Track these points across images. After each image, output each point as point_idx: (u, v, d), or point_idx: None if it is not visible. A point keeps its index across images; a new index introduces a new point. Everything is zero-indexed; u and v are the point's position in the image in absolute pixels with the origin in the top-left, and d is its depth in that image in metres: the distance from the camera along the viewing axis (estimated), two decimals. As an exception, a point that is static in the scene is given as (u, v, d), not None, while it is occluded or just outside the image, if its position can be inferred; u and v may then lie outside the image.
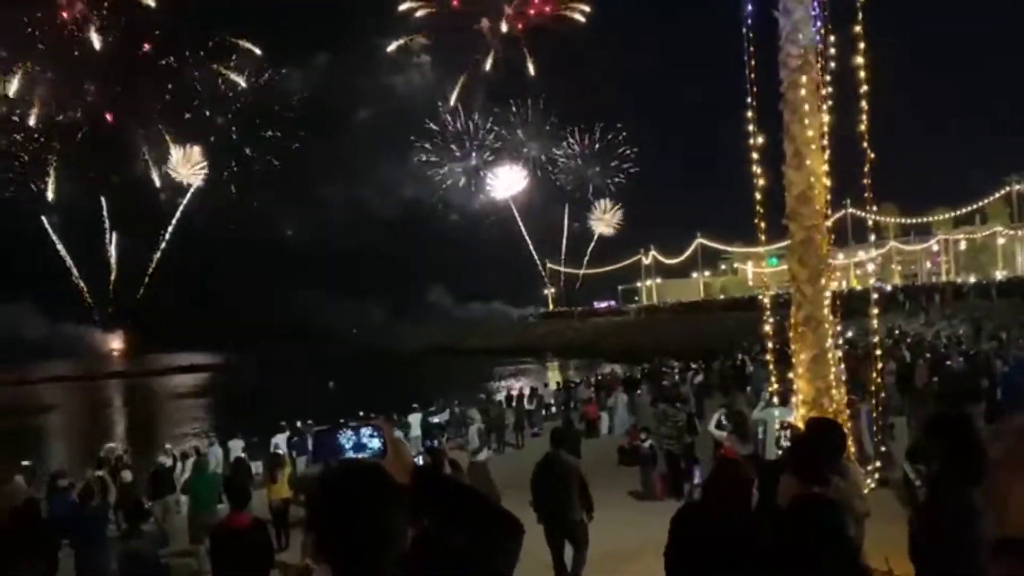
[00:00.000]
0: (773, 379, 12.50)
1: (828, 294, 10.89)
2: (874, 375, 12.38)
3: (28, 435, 40.27)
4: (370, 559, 1.76)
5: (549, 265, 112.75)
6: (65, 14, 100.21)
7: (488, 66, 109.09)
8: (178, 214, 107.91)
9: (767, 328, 12.23)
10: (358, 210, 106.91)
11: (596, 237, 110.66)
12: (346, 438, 2.11)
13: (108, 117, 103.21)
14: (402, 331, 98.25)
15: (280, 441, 22.13)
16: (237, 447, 20.66)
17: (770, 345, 12.25)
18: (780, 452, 10.36)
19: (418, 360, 72.99)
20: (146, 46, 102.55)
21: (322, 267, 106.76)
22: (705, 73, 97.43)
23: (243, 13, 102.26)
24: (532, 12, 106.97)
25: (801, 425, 10.70)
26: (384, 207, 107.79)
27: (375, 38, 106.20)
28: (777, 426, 11.38)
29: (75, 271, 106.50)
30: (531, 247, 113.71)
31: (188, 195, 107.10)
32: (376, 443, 2.10)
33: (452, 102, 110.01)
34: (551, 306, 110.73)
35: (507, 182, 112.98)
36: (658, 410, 15.47)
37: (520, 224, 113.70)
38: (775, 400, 12.21)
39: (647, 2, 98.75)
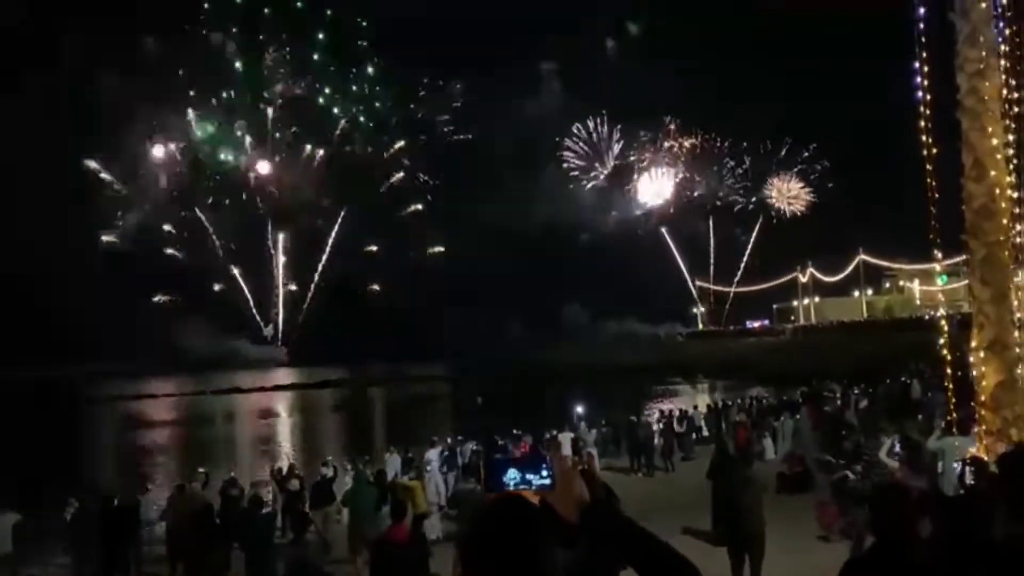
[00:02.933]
0: (952, 406, 11.58)
1: (1018, 316, 9.99)
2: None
3: (205, 442, 43.31)
4: None
5: (698, 283, 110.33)
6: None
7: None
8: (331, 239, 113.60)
9: (944, 351, 11.35)
10: (493, 230, 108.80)
11: (749, 247, 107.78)
12: (510, 474, 2.06)
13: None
14: (546, 347, 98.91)
15: (432, 456, 22.65)
16: (395, 462, 21.28)
17: (948, 370, 11.37)
18: (962, 487, 9.56)
19: (563, 377, 73.05)
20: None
21: (460, 285, 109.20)
22: (868, 78, 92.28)
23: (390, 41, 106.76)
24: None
25: (986, 457, 9.84)
26: (519, 226, 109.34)
27: (508, 63, 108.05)
28: (958, 458, 10.53)
29: (246, 292, 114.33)
30: (680, 264, 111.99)
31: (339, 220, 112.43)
32: (541, 478, 2.03)
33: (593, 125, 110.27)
34: (700, 325, 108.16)
35: (650, 198, 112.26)
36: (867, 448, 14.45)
37: (668, 240, 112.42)
38: (953, 430, 11.30)
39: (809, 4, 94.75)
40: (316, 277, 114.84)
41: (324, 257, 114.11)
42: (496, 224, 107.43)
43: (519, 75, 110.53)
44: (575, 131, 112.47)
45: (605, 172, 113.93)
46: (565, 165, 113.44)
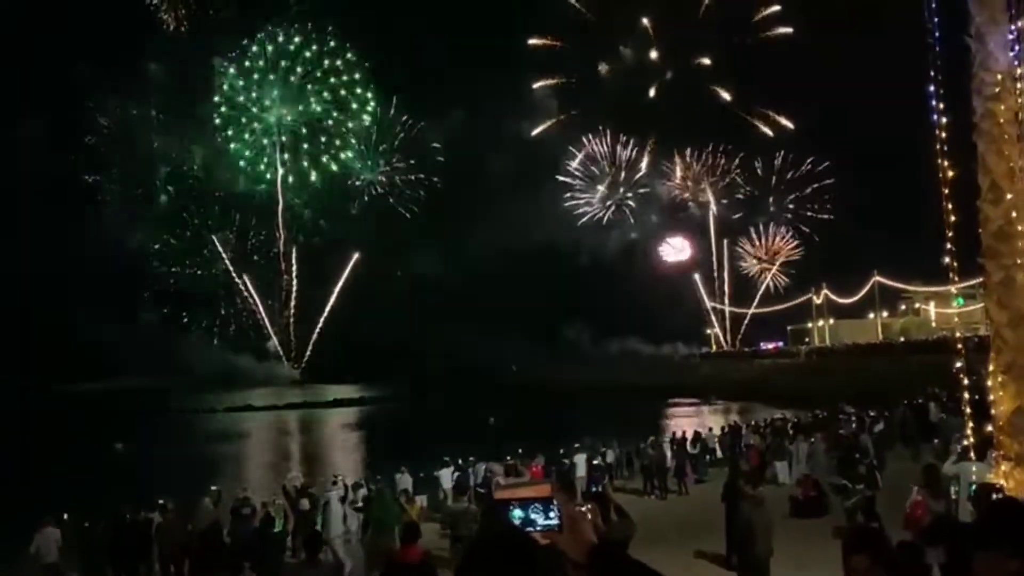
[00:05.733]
0: (968, 431, 11.46)
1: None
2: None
3: (216, 460, 43.34)
4: None
5: (711, 304, 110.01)
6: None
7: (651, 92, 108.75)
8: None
9: (961, 374, 11.25)
10: (494, 250, 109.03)
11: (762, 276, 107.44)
12: (515, 515, 2.03)
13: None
14: (551, 367, 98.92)
15: (444, 476, 22.62)
16: (406, 481, 21.23)
17: (965, 394, 11.26)
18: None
19: (576, 397, 72.78)
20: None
21: (461, 305, 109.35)
22: (882, 99, 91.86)
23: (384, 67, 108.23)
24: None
25: (1004, 482, 9.73)
26: (519, 247, 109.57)
27: (507, 84, 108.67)
28: (973, 479, 10.42)
29: (259, 310, 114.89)
30: (699, 285, 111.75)
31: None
32: (547, 519, 2.01)
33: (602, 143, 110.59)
34: (714, 346, 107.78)
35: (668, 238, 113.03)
36: None
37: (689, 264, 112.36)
38: (970, 454, 11.18)
39: (829, 22, 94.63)
40: (332, 297, 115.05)
41: (338, 285, 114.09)
42: (494, 244, 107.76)
43: (516, 95, 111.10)
44: (574, 153, 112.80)
45: (605, 193, 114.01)
46: (568, 193, 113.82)
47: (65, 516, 17.17)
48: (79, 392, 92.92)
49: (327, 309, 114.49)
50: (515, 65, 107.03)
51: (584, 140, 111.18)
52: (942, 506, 10.55)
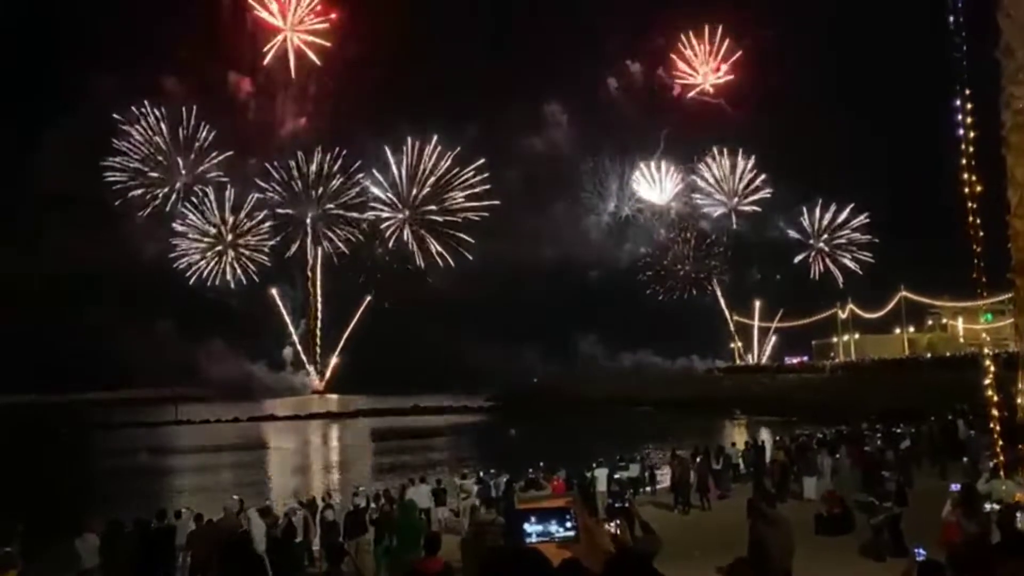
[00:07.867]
0: (998, 449, 11.27)
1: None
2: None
3: (243, 469, 43.57)
4: None
5: (735, 317, 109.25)
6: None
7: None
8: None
9: (989, 391, 11.09)
10: (506, 263, 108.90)
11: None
12: (532, 527, 2.03)
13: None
14: (569, 379, 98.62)
15: (468, 487, 22.61)
16: (422, 492, 21.24)
17: (994, 412, 11.09)
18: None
19: (596, 410, 72.52)
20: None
21: (474, 318, 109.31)
22: (910, 114, 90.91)
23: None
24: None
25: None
26: (530, 261, 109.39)
27: (517, 101, 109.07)
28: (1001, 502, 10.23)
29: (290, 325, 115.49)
30: (720, 298, 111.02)
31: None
32: (564, 529, 2.00)
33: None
34: (737, 359, 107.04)
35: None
36: None
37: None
38: (1000, 473, 11.00)
39: (852, 38, 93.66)
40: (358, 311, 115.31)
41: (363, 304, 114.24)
42: (508, 257, 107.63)
43: (526, 113, 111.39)
44: (584, 169, 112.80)
45: (615, 207, 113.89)
46: (579, 208, 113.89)
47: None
48: (97, 401, 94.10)
49: (353, 321, 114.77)
50: (528, 81, 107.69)
51: (592, 159, 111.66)
52: (976, 527, 10.32)
